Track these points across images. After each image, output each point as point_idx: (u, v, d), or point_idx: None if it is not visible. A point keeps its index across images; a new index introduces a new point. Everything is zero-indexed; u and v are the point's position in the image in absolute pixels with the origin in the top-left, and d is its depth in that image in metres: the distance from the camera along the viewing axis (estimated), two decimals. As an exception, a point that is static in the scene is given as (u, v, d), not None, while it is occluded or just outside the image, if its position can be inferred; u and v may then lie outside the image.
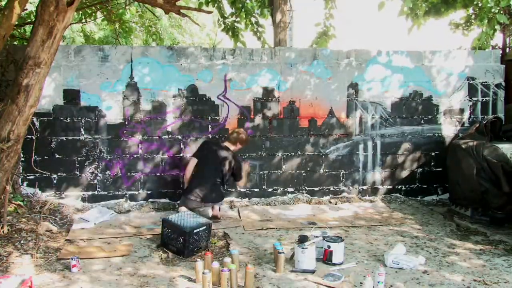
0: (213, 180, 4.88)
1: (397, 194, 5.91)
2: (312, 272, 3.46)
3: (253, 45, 6.57)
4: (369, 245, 4.16)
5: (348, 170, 5.84)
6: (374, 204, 5.66)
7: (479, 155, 4.79)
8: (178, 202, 5.09)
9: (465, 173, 4.94)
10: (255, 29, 7.17)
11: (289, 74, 5.64)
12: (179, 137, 5.53)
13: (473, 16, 6.68)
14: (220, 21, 7.16)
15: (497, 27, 5.38)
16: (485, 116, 5.88)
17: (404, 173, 5.92)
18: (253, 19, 7.10)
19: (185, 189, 4.95)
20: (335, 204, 5.63)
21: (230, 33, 7.06)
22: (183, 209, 4.64)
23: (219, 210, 4.96)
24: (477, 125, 5.42)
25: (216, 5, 6.90)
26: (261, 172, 5.69)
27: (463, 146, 5.05)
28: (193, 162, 4.99)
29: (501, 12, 5.38)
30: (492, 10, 5.32)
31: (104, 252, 3.94)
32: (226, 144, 5.10)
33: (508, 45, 6.12)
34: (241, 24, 7.10)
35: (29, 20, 5.85)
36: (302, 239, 3.55)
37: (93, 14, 6.70)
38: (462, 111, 5.93)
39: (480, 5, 5.72)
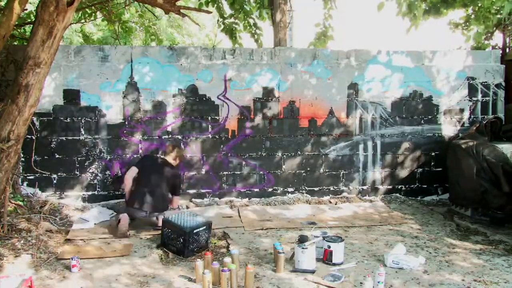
0: (159, 190, 4.64)
1: (397, 194, 5.91)
2: (312, 272, 3.46)
3: (251, 47, 6.58)
4: (369, 245, 4.16)
5: (348, 170, 5.84)
6: (374, 204, 5.66)
7: (479, 155, 4.79)
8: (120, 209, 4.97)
9: (465, 173, 4.94)
10: (253, 31, 7.18)
11: (289, 74, 5.64)
12: (179, 137, 5.53)
13: (472, 16, 6.69)
14: (220, 22, 7.17)
15: (489, 25, 5.38)
16: (485, 116, 5.88)
17: (404, 173, 5.92)
18: (251, 21, 7.11)
19: (129, 198, 4.61)
20: (335, 204, 5.63)
21: (229, 34, 7.08)
22: (124, 217, 4.45)
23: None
24: (477, 125, 5.42)
25: (216, 5, 6.91)
26: (261, 172, 5.69)
27: (463, 146, 5.05)
28: (133, 171, 4.67)
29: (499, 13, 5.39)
30: (492, 11, 5.34)
31: (104, 252, 3.94)
32: (167, 158, 4.93)
33: (508, 45, 6.13)
34: (239, 26, 7.11)
35: (29, 20, 5.85)
36: (302, 239, 3.55)
37: (93, 14, 6.70)
38: (462, 111, 5.93)
39: (479, 5, 5.74)
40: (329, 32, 7.12)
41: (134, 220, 4.66)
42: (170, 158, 4.93)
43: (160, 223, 4.43)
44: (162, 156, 5.08)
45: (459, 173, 5.07)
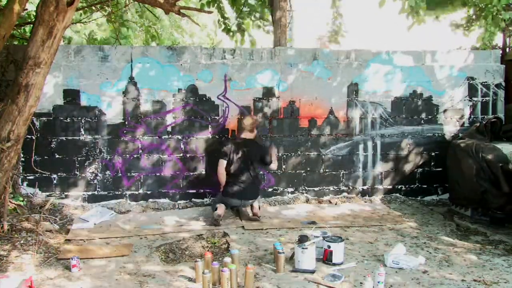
0: (249, 177, 4.87)
1: (397, 194, 5.91)
2: (312, 272, 3.46)
3: (259, 40, 6.61)
4: (369, 245, 4.16)
5: (348, 170, 5.83)
6: (374, 204, 5.66)
7: (478, 155, 4.78)
8: (212, 200, 5.21)
9: (464, 173, 4.94)
10: (260, 24, 7.21)
11: (289, 74, 5.64)
12: (179, 137, 5.53)
13: (473, 16, 6.68)
14: (221, 22, 7.18)
15: (502, 24, 5.38)
16: (485, 116, 5.87)
17: (404, 173, 5.91)
18: (257, 15, 7.13)
19: (223, 189, 4.89)
20: (335, 204, 5.62)
21: (233, 33, 7.10)
22: (222, 207, 4.77)
23: (259, 208, 4.95)
24: (477, 125, 5.42)
25: (216, 5, 6.92)
26: (261, 172, 5.69)
27: (462, 146, 5.05)
28: (222, 164, 4.89)
29: (505, 10, 5.38)
30: (495, 8, 5.32)
31: (104, 252, 3.94)
32: (245, 135, 4.99)
33: (508, 45, 6.12)
34: (246, 23, 7.14)
35: (29, 20, 5.85)
36: (302, 239, 3.55)
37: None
38: (462, 111, 5.92)
39: (481, 5, 5.74)
40: (341, 31, 7.18)
41: (232, 209, 5.04)
42: (248, 134, 4.97)
43: (255, 211, 4.85)
44: (242, 137, 5.00)
45: (459, 173, 5.07)
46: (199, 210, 5.31)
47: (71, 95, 5.33)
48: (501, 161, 4.64)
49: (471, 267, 3.63)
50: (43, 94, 4.64)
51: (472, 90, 5.91)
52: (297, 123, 5.71)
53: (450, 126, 5.92)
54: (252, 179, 4.90)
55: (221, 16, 7.13)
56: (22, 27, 5.94)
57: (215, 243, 4.24)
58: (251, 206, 4.91)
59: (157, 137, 5.49)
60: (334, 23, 7.16)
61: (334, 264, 3.60)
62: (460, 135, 5.73)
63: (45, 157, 5.31)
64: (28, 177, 5.30)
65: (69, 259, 3.58)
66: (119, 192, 5.48)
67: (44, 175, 5.23)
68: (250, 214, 4.92)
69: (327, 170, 5.79)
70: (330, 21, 7.21)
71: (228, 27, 7.09)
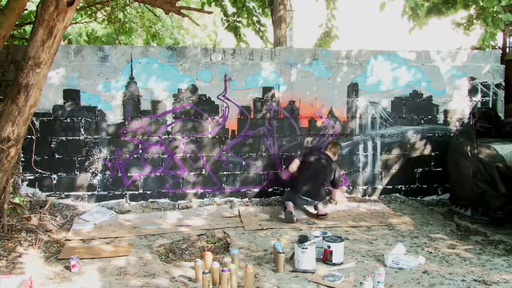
0: (319, 184, 5.11)
1: (397, 194, 5.91)
2: (312, 272, 3.46)
3: (255, 44, 6.61)
4: (369, 245, 4.16)
5: (348, 170, 5.83)
6: (374, 204, 5.66)
7: (474, 157, 4.77)
8: (282, 198, 5.27)
9: (462, 174, 4.93)
10: (257, 28, 7.19)
11: (289, 74, 5.64)
12: (179, 137, 5.53)
13: (474, 16, 6.66)
14: (224, 20, 7.18)
15: (501, 25, 5.37)
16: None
17: (404, 173, 5.91)
18: (254, 18, 7.12)
19: (293, 188, 5.17)
20: (335, 204, 5.62)
21: (233, 32, 7.09)
22: (290, 204, 4.90)
23: (322, 208, 5.12)
24: (473, 120, 5.38)
25: (218, 3, 6.92)
26: (261, 172, 5.69)
27: (459, 147, 5.03)
28: (295, 162, 5.22)
29: (505, 11, 5.37)
30: (495, 9, 5.32)
31: (104, 252, 3.94)
32: (328, 153, 5.38)
33: (508, 45, 6.12)
34: (243, 24, 7.12)
35: (29, 20, 5.85)
36: (302, 239, 3.55)
37: (93, 14, 6.71)
38: (462, 111, 5.93)
39: (481, 4, 5.72)
40: (333, 32, 7.15)
41: (299, 207, 5.16)
42: (331, 154, 5.39)
43: (321, 212, 5.00)
44: (325, 152, 5.42)
45: (458, 174, 5.06)
46: (199, 210, 5.31)
47: (71, 95, 5.33)
48: (497, 162, 4.60)
49: (471, 267, 3.63)
50: (43, 94, 4.64)
51: (472, 90, 5.91)
52: (297, 123, 5.70)
53: (450, 126, 5.92)
54: (321, 188, 5.14)
55: (224, 14, 7.13)
56: (22, 27, 5.93)
57: (215, 243, 4.24)
58: (315, 206, 5.07)
59: (157, 137, 5.49)
60: (327, 25, 7.14)
61: (334, 264, 3.60)
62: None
63: (45, 157, 5.31)
64: (28, 177, 5.30)
65: (69, 259, 3.58)
66: (119, 192, 5.48)
67: (44, 175, 5.23)
68: (315, 212, 5.09)
69: (327, 170, 5.79)
70: (324, 22, 7.18)
71: (232, 25, 7.09)
